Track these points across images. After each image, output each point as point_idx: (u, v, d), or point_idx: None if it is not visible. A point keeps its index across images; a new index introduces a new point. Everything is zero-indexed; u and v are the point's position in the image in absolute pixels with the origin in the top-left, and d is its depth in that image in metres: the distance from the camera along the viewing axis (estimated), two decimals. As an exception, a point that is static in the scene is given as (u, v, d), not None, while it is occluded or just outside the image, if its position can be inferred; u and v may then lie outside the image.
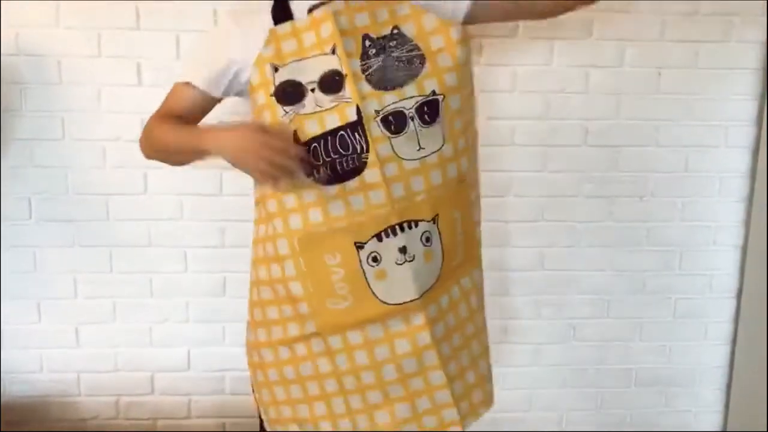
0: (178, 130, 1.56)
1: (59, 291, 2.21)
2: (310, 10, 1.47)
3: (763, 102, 2.21)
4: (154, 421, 2.32)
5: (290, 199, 1.50)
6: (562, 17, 2.11)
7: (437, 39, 1.50)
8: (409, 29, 1.48)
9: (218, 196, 2.18)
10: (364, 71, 1.45)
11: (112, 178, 2.15)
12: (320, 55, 1.45)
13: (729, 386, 2.41)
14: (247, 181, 2.14)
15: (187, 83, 1.58)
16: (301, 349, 1.58)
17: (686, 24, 2.16)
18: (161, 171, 2.15)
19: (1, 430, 2.23)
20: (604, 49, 2.17)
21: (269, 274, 1.58)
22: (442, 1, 1.52)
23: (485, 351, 1.71)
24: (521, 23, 2.10)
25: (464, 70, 1.54)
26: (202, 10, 2.06)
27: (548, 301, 2.33)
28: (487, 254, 2.24)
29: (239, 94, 1.58)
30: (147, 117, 2.11)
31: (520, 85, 2.18)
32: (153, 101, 2.09)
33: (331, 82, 1.44)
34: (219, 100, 1.60)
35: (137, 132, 2.10)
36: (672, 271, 2.33)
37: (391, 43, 1.46)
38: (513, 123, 2.20)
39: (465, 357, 1.62)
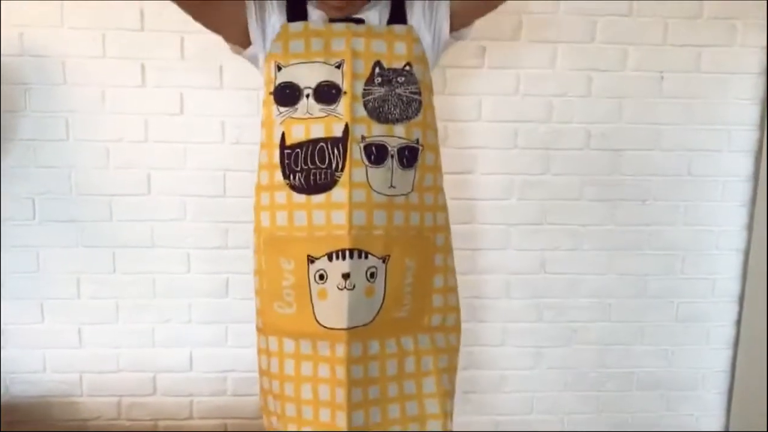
0: None
1: (62, 291, 2.22)
2: (332, 20, 1.50)
3: (765, 106, 2.22)
4: (155, 421, 2.32)
5: (265, 197, 1.54)
6: (564, 20, 2.15)
7: (430, 95, 1.54)
8: (418, 71, 1.51)
9: (222, 197, 2.18)
10: (364, 95, 1.47)
11: (116, 178, 2.16)
12: (323, 63, 1.47)
13: (731, 390, 2.40)
14: (249, 182, 2.16)
15: None
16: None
17: (689, 28, 2.17)
18: (165, 172, 2.16)
19: (3, 429, 2.23)
20: (606, 52, 2.18)
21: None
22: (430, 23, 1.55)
23: (424, 416, 1.62)
24: (524, 23, 2.11)
25: (437, 133, 1.60)
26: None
27: (550, 304, 2.33)
28: (488, 257, 2.26)
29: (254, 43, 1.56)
30: (151, 118, 2.14)
31: (523, 89, 2.18)
32: (157, 102, 2.13)
33: (327, 94, 1.46)
34: (244, 30, 1.54)
35: (141, 133, 2.13)
36: (674, 274, 2.33)
37: (399, 78, 1.48)
38: (515, 126, 2.20)
39: (378, 414, 1.58)
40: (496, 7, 1.56)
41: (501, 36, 2.10)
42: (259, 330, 1.63)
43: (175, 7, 2.04)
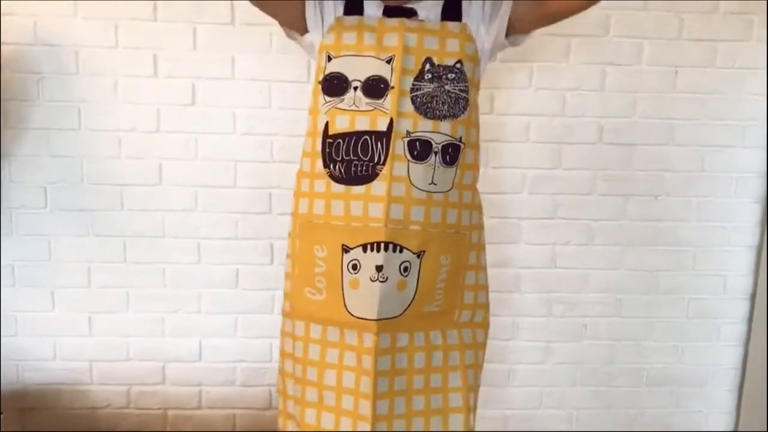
0: None
1: (73, 280, 2.23)
2: (386, 11, 1.50)
3: (780, 102, 2.20)
4: (164, 410, 2.33)
5: (305, 184, 1.55)
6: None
7: (476, 93, 1.55)
8: (469, 69, 1.51)
9: (232, 188, 2.18)
10: (412, 91, 1.47)
11: (127, 168, 2.16)
12: (374, 58, 1.47)
13: (741, 387, 2.39)
14: (260, 173, 2.16)
15: None
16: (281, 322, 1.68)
17: (704, 22, 2.15)
18: (176, 162, 2.17)
19: (15, 416, 2.25)
20: (621, 46, 2.16)
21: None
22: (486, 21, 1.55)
23: (447, 410, 1.65)
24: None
25: (479, 132, 1.59)
26: (219, 1, 2.07)
27: (560, 299, 2.32)
28: (500, 251, 2.26)
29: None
30: (163, 108, 2.15)
31: (536, 82, 2.17)
32: (169, 93, 2.13)
33: (375, 88, 1.47)
34: (302, 23, 1.55)
35: (153, 123, 2.14)
36: (686, 270, 2.32)
37: (449, 75, 1.48)
38: (528, 120, 2.19)
39: (403, 404, 1.60)
40: (555, 21, 1.56)
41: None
42: (285, 314, 1.65)
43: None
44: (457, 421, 1.65)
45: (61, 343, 2.27)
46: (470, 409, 1.67)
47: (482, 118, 2.15)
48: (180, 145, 2.16)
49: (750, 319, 2.35)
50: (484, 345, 1.71)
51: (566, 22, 2.10)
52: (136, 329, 2.27)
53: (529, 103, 2.18)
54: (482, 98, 2.15)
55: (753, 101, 2.21)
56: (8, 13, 2.05)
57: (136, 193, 2.18)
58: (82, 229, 2.20)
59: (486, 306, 1.70)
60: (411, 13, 1.52)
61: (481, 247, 1.66)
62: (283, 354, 1.67)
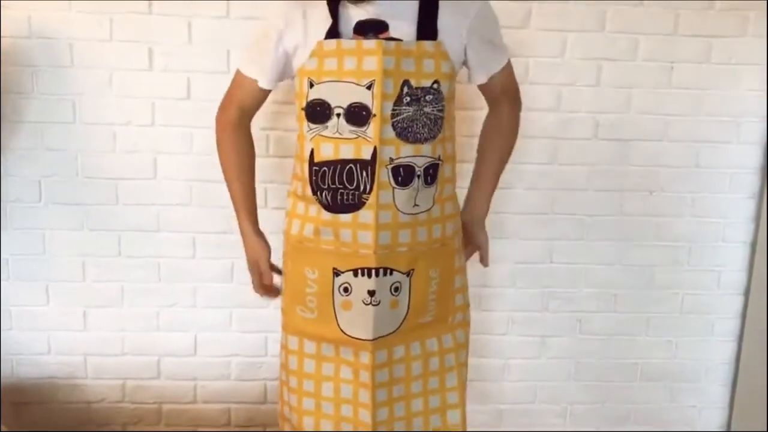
0: (232, 180, 1.72)
1: (67, 274, 2.22)
2: (361, 28, 1.47)
3: (775, 98, 2.20)
4: (159, 405, 2.33)
5: (300, 206, 1.56)
6: (574, 9, 2.13)
7: (451, 105, 1.55)
8: (444, 87, 1.49)
9: (227, 182, 2.18)
10: (393, 116, 1.45)
11: (122, 162, 2.16)
12: (354, 84, 1.45)
13: (734, 383, 2.40)
14: (256, 168, 2.15)
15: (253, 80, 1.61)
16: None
17: (700, 18, 2.15)
18: (171, 156, 2.16)
19: (9, 410, 2.25)
20: (616, 42, 2.16)
21: None
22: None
23: (445, 407, 1.67)
24: (534, 12, 2.11)
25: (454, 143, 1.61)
26: (215, -5, 2.07)
27: (555, 294, 2.33)
28: (495, 246, 2.25)
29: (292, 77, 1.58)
30: (158, 102, 2.13)
31: (532, 77, 2.17)
32: (164, 86, 2.12)
33: (357, 116, 1.45)
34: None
35: (148, 117, 2.13)
36: (680, 266, 2.32)
37: (427, 97, 1.47)
38: (524, 115, 2.17)
39: (403, 408, 1.62)
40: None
41: (511, 24, 2.08)
42: (282, 326, 1.66)
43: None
44: (454, 416, 1.67)
45: (56, 338, 2.27)
46: (464, 403, 1.69)
47: (477, 113, 2.16)
48: (175, 139, 2.15)
49: (744, 315, 2.35)
50: (468, 342, 1.73)
51: (562, 17, 2.13)
52: (130, 323, 2.27)
53: (525, 98, 2.16)
54: (478, 94, 2.14)
55: (748, 97, 2.22)
56: (4, 6, 2.04)
57: (131, 187, 2.18)
58: (76, 223, 2.19)
59: (469, 303, 1.72)
60: (382, 27, 1.47)
61: (461, 249, 1.68)
62: (280, 364, 1.69)
